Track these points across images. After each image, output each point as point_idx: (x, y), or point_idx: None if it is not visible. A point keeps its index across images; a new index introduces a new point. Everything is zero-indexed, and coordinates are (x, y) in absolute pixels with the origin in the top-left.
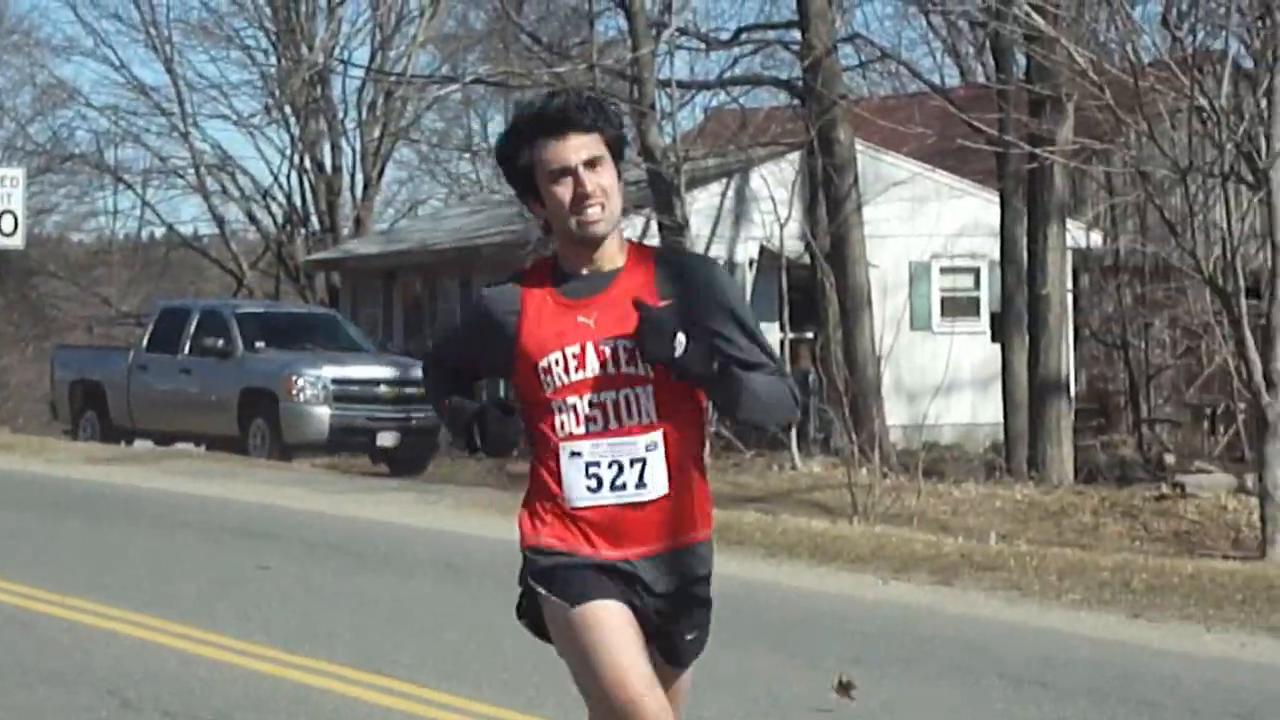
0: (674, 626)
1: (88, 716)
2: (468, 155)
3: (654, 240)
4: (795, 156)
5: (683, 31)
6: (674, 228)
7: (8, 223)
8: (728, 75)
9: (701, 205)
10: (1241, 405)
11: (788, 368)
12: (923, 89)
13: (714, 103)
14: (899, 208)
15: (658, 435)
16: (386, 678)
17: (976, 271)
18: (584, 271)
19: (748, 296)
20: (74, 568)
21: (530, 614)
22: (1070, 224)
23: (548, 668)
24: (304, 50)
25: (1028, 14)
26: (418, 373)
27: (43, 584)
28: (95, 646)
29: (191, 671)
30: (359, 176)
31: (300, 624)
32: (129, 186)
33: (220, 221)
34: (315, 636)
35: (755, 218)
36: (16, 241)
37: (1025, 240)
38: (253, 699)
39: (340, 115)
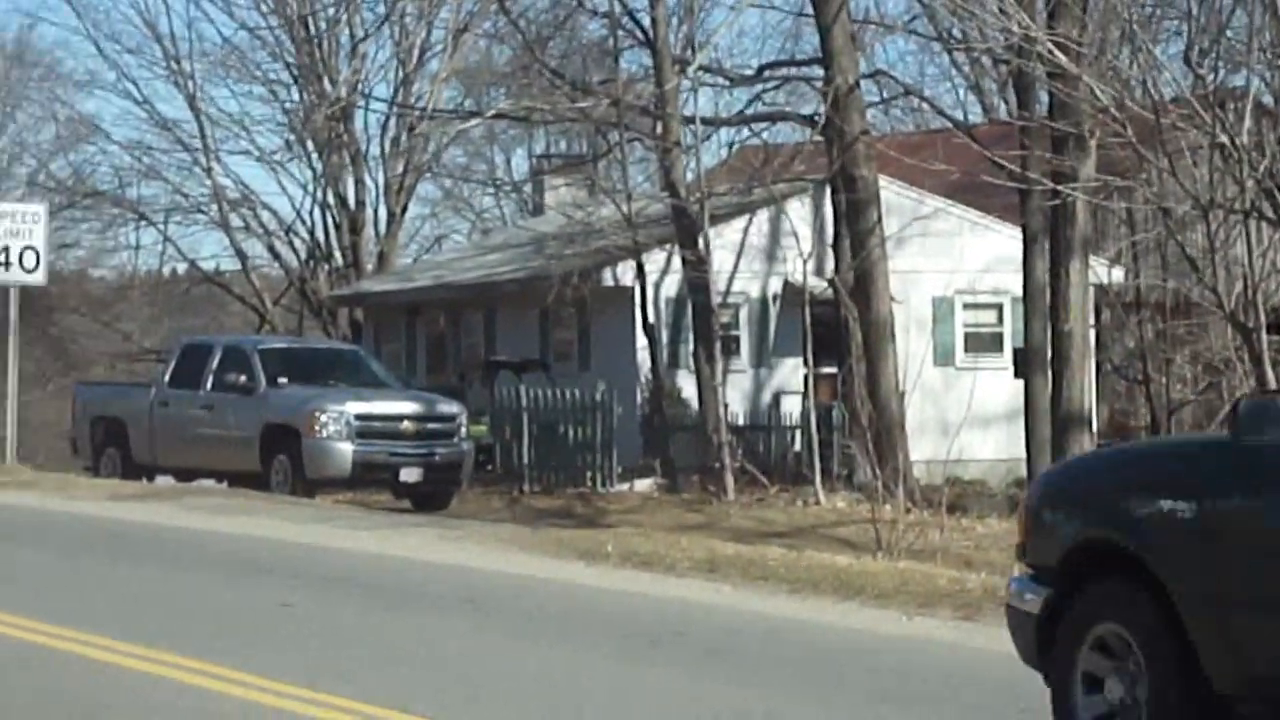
0: None
1: None
2: (491, 190)
3: (676, 276)
4: (819, 192)
5: (706, 68)
6: (697, 263)
7: (29, 259)
8: (751, 111)
9: (725, 240)
10: None
11: (810, 402)
12: (946, 125)
13: (738, 139)
14: (923, 243)
15: None
16: (410, 714)
17: (1000, 307)
18: None
19: (771, 332)
20: (95, 606)
21: None
22: (1092, 260)
23: (572, 703)
24: (327, 85)
25: (1050, 51)
26: (442, 408)
27: (64, 622)
28: (119, 684)
29: (214, 707)
30: (382, 212)
31: (323, 661)
32: (151, 222)
33: (243, 257)
34: (338, 673)
35: (779, 253)
36: (38, 278)
37: (1048, 276)
38: None
39: (363, 150)
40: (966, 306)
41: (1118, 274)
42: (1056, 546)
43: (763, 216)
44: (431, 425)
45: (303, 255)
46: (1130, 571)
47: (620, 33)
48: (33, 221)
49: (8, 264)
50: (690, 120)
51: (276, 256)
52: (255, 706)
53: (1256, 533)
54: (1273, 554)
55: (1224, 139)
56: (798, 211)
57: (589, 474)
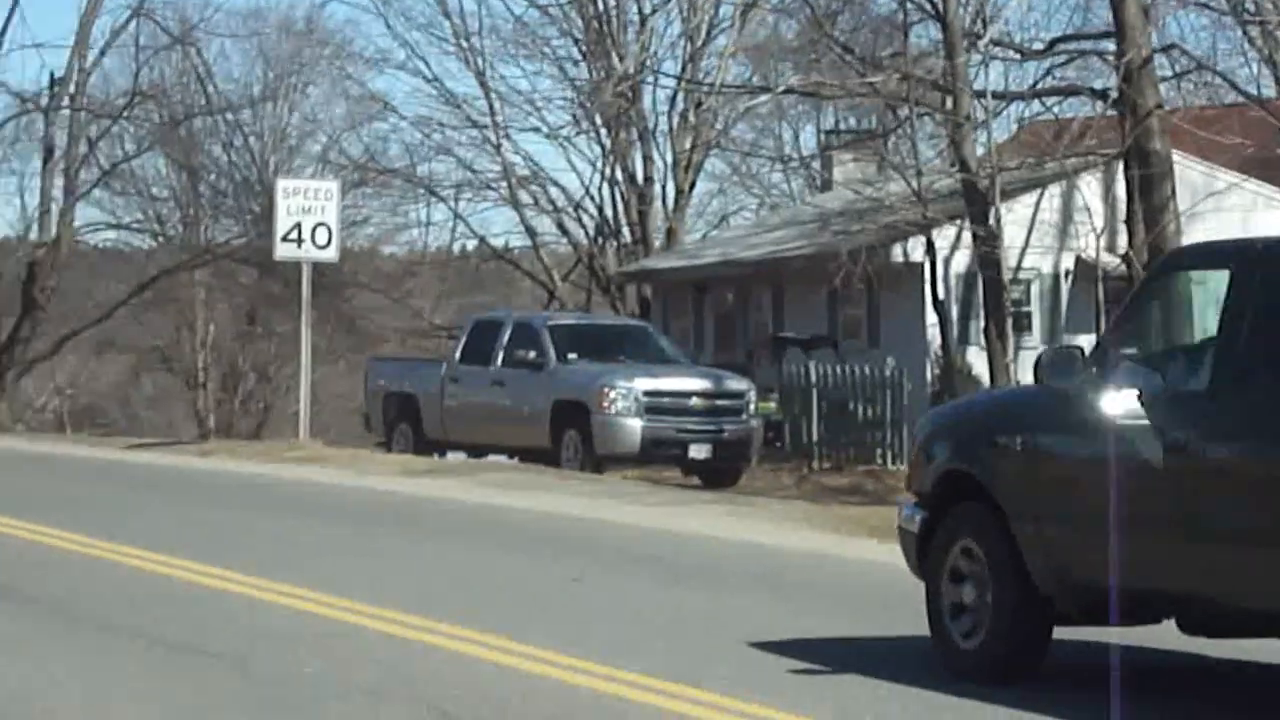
0: None
1: None
2: (779, 166)
3: (967, 252)
4: (1111, 167)
5: (997, 42)
6: (987, 238)
7: (321, 235)
8: (1042, 85)
9: (1016, 216)
10: None
11: None
12: (1240, 100)
13: (1028, 113)
14: (1217, 219)
15: None
16: (704, 690)
17: None
18: None
19: (1064, 308)
20: (389, 580)
21: None
22: None
23: (868, 682)
24: (615, 61)
25: None
26: (730, 384)
27: (359, 596)
28: (412, 658)
29: (509, 684)
30: (670, 188)
31: (615, 636)
32: (441, 199)
33: (532, 234)
34: (630, 649)
35: (1070, 229)
36: (330, 254)
37: None
38: (570, 711)
39: (651, 126)
40: None
41: None
42: (930, 477)
43: (1054, 191)
44: (720, 402)
45: (591, 232)
46: (980, 496)
47: (909, 6)
48: (325, 198)
49: (300, 240)
50: (980, 94)
51: (565, 233)
52: (545, 680)
53: (1059, 460)
54: (1069, 478)
55: None
56: (1089, 187)
57: (878, 451)
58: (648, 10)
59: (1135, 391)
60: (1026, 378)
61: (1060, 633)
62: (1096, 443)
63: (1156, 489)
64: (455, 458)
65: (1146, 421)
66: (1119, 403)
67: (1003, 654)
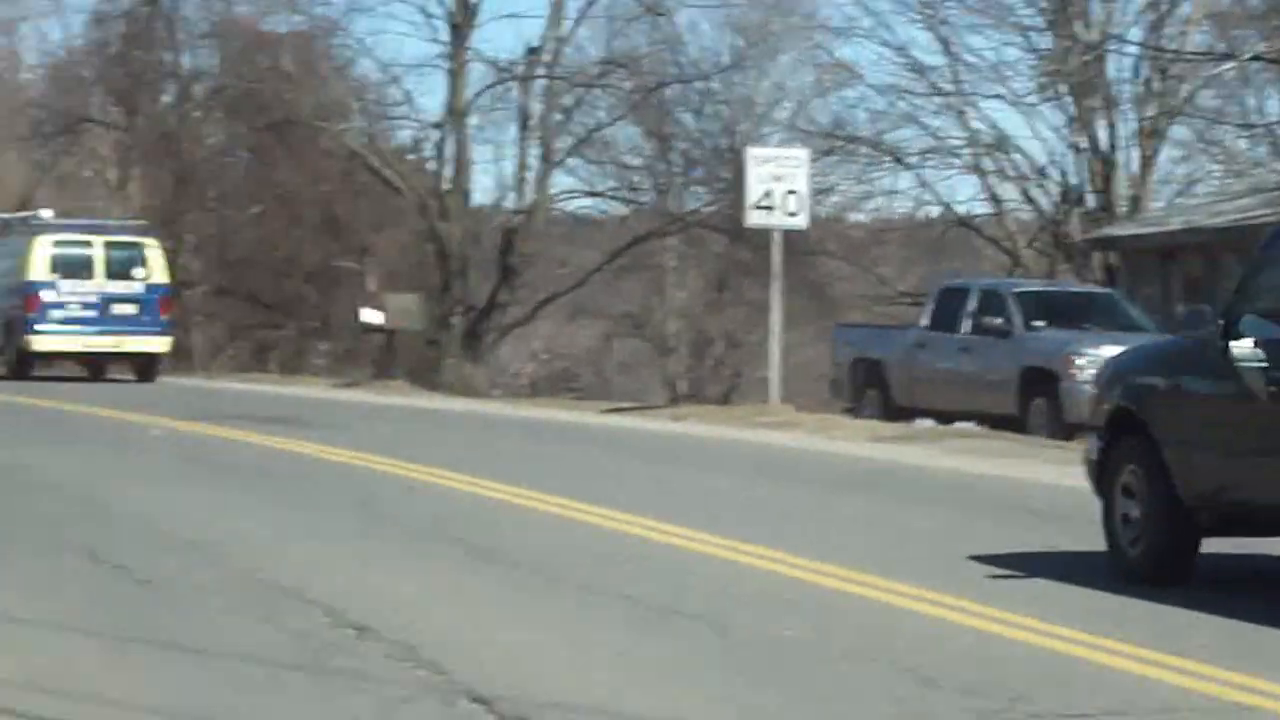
0: None
1: (886, 692)
2: (1244, 133)
3: None
4: None
5: None
6: None
7: (792, 203)
8: None
9: None
10: None
11: None
12: None
13: None
14: None
15: None
16: (1186, 659)
17: None
18: None
19: None
20: (863, 544)
21: None
22: None
23: None
24: (1079, 29)
25: None
26: None
27: (833, 560)
28: (889, 623)
29: (989, 650)
30: (1134, 155)
31: (1099, 605)
32: (906, 166)
33: (996, 200)
34: (1115, 618)
35: None
36: (800, 221)
37: None
38: (1053, 678)
39: (1115, 94)
40: None
41: None
42: (1104, 413)
43: None
44: None
45: (1055, 199)
46: (1139, 429)
47: None
48: (795, 166)
49: (771, 208)
50: None
51: (1030, 200)
52: (1028, 647)
53: (1195, 397)
54: (1203, 411)
55: None
56: None
57: None
58: None
59: (1252, 339)
60: None
61: (1212, 544)
62: (1222, 381)
63: (1268, 419)
64: (923, 424)
65: (1259, 364)
66: (1238, 348)
67: (1159, 560)
